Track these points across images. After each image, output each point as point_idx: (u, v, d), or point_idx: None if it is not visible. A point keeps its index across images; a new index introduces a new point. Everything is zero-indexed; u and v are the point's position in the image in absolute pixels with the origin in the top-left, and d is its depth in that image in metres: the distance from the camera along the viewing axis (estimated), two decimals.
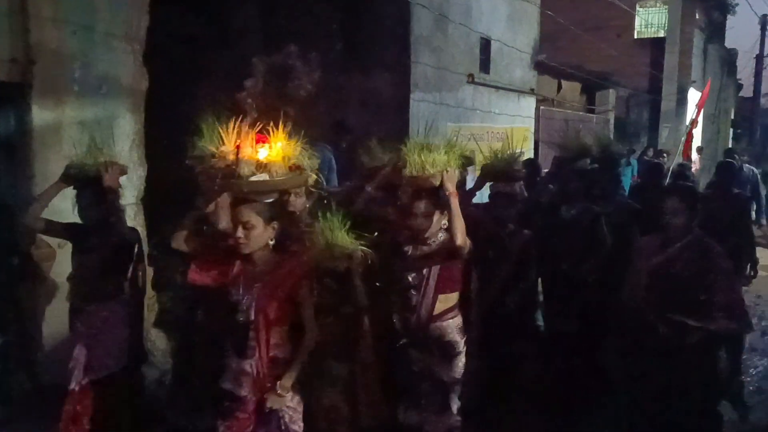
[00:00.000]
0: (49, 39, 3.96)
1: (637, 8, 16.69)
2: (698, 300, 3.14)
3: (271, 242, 2.80)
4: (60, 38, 4.03)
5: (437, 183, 3.06)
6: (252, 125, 2.81)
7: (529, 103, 10.30)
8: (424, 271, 3.16)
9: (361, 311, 3.12)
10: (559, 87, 12.07)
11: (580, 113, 12.63)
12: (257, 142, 2.81)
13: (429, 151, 3.10)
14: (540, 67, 10.60)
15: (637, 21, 16.84)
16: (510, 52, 9.42)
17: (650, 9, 16.84)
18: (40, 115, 3.94)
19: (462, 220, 3.03)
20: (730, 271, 3.22)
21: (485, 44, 8.75)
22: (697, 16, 16.47)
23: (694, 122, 7.24)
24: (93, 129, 4.25)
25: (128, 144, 4.54)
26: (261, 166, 2.76)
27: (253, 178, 2.73)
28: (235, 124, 2.77)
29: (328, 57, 7.04)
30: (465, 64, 8.30)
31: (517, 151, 3.95)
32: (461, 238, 3.01)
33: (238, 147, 2.74)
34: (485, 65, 8.82)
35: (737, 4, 18.84)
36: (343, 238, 3.00)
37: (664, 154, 11.53)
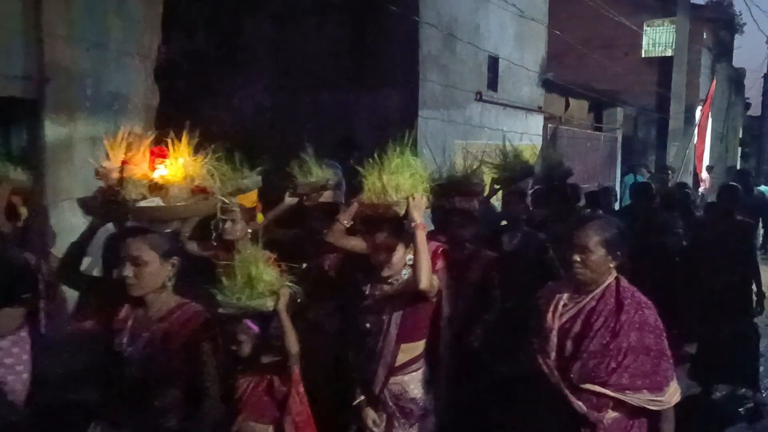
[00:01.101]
0: (63, 57, 4.02)
1: (645, 27, 16.73)
2: (615, 366, 2.27)
3: (170, 282, 2.25)
4: (73, 56, 4.09)
5: (401, 212, 2.60)
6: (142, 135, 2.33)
7: (537, 121, 10.31)
8: (384, 316, 2.65)
9: (290, 359, 2.54)
10: (567, 105, 12.08)
11: (588, 131, 12.63)
12: (154, 156, 2.31)
13: (391, 173, 2.61)
14: (548, 85, 10.63)
15: (645, 40, 16.86)
16: (518, 71, 9.45)
17: (658, 28, 16.87)
18: (52, 131, 3.99)
19: (428, 257, 2.58)
20: (655, 326, 2.33)
21: (493, 62, 8.78)
22: (704, 36, 16.50)
23: (701, 130, 7.11)
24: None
25: None
26: (155, 188, 2.23)
27: (143, 203, 2.20)
28: (123, 134, 2.29)
29: (336, 75, 7.10)
30: (473, 82, 8.33)
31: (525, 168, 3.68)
32: (426, 280, 2.52)
33: (124, 164, 2.23)
34: (493, 83, 8.85)
35: (745, 24, 18.96)
36: (267, 272, 2.47)
37: (669, 171, 11.39)
